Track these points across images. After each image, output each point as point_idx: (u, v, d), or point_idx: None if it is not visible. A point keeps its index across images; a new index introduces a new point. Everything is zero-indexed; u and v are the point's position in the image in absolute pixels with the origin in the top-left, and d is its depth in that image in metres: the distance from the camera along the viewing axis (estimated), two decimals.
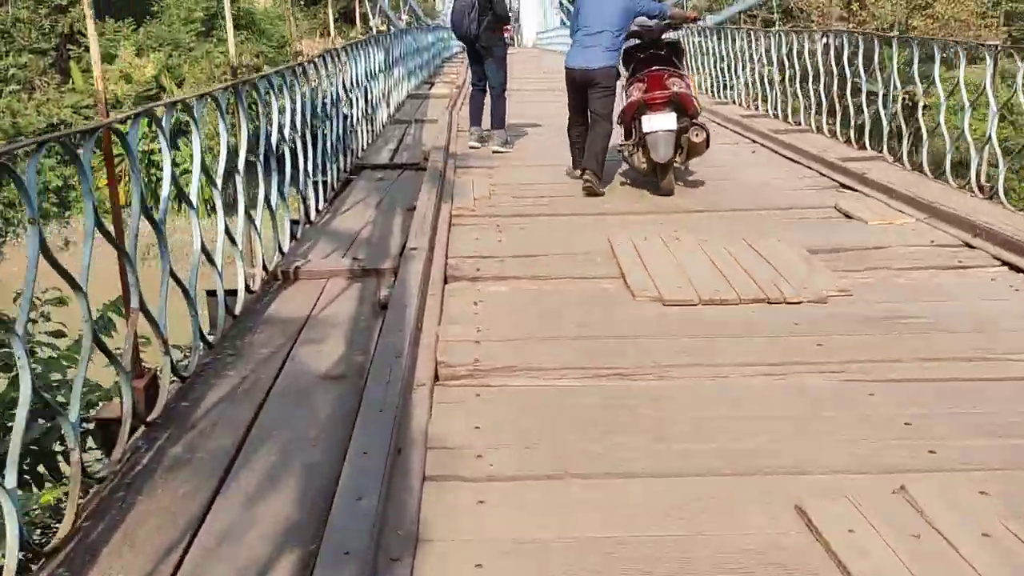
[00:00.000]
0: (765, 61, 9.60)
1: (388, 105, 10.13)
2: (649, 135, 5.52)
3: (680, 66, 5.92)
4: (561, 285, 3.87)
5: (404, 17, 14.13)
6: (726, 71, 11.19)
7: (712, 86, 12.10)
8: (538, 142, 8.06)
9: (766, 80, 9.58)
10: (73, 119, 25.85)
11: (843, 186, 5.66)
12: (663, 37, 5.95)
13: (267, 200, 4.35)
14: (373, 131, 8.83)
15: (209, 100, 3.79)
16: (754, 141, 7.68)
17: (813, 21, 30.53)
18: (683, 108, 5.60)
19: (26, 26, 27.23)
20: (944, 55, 6.26)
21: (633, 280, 3.76)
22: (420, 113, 10.59)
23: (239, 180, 4.03)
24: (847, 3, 32.88)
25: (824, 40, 8.18)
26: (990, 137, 5.37)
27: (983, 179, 5.66)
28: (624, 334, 3.25)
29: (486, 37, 7.41)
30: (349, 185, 6.57)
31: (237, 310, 3.74)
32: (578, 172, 6.00)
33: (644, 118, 5.56)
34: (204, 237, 3.35)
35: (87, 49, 27.60)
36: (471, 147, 7.63)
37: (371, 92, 8.79)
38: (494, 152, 7.52)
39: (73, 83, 26.96)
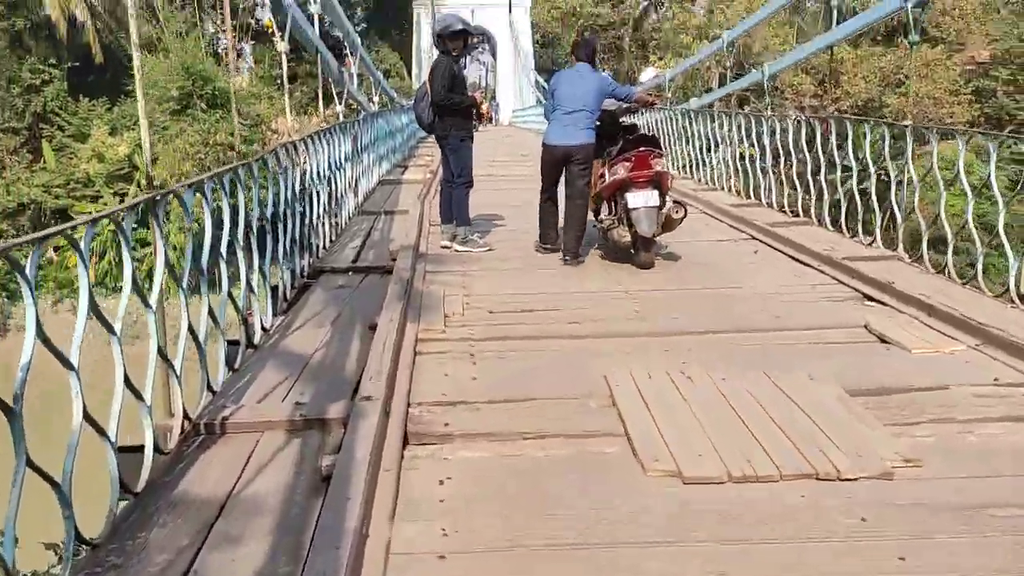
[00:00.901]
0: (757, 147, 9.10)
1: (356, 194, 9.48)
2: (634, 211, 5.88)
3: (660, 149, 6.33)
4: (552, 449, 3.07)
5: (376, 99, 13.65)
6: (708, 154, 10.71)
7: (689, 166, 11.66)
8: (515, 237, 7.37)
9: (758, 167, 9.06)
10: (44, 198, 25.21)
11: (868, 297, 4.96)
12: (621, 120, 6.44)
13: (195, 328, 3.56)
14: (339, 225, 8.13)
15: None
16: (753, 237, 7.03)
17: (787, 99, 30.83)
18: (661, 186, 6.02)
19: None
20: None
21: (641, 445, 2.98)
22: (391, 202, 9.93)
23: (152, 312, 3.24)
24: (819, 81, 33.36)
25: (824, 125, 7.66)
26: None
27: None
28: (636, 539, 2.44)
29: (442, 126, 6.74)
30: (306, 292, 5.81)
31: (139, 485, 2.91)
32: (547, 246, 6.44)
33: (629, 195, 5.92)
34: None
35: (60, 128, 27.17)
36: (442, 246, 6.92)
37: (336, 183, 8.13)
38: (455, 251, 6.84)
39: (45, 162, 26.41)
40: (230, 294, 4.11)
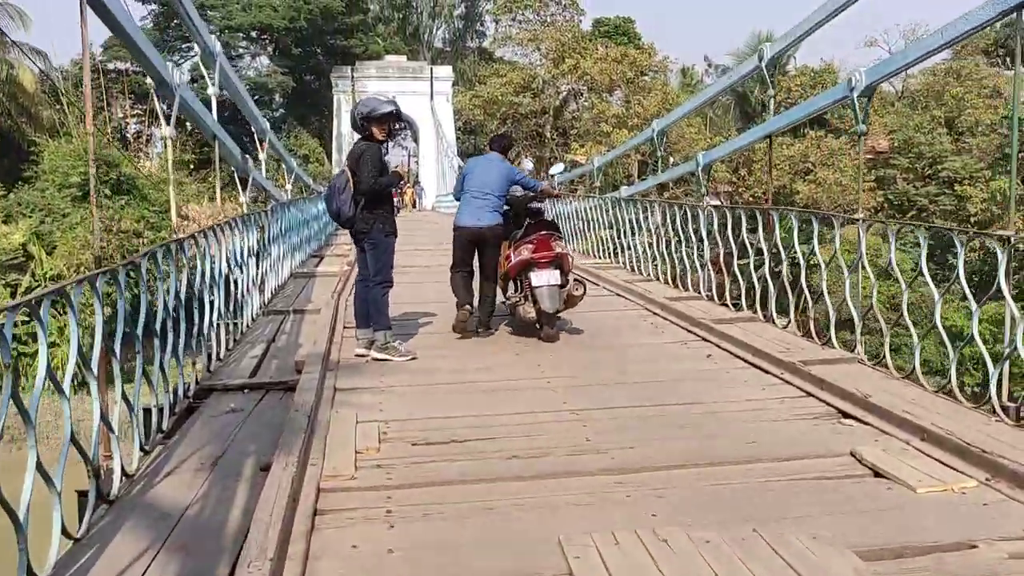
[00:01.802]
0: (682, 234, 8.70)
1: (262, 291, 8.57)
2: (537, 288, 6.36)
3: (560, 232, 6.89)
4: None
5: (289, 187, 12.86)
6: (633, 238, 10.30)
7: (619, 252, 11.28)
8: (441, 341, 6.61)
9: (694, 256, 8.64)
10: None
11: (843, 414, 4.35)
12: (529, 206, 6.87)
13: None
14: (239, 328, 7.21)
15: None
16: (704, 339, 6.43)
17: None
18: (562, 266, 6.48)
19: None
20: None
21: None
22: (302, 299, 9.03)
23: None
24: (734, 169, 34.34)
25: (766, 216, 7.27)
26: (1015, 348, 4.24)
27: (1005, 397, 4.50)
28: None
29: (365, 219, 5.98)
30: (189, 419, 4.87)
31: None
32: (467, 310, 6.64)
33: (533, 274, 6.39)
34: None
35: None
36: (357, 355, 6.09)
37: (238, 282, 7.25)
38: (373, 360, 6.03)
39: None
40: (73, 438, 3.19)
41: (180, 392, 4.99)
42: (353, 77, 40.94)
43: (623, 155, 26.63)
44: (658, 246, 9.66)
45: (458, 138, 39.98)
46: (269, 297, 8.97)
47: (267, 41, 44.15)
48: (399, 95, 40.42)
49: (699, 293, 8.44)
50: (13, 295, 21.97)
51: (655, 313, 7.57)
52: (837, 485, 3.44)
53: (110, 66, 38.86)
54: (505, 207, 6.73)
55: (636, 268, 10.56)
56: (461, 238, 6.63)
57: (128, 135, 34.80)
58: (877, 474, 3.50)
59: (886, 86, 35.19)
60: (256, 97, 44.07)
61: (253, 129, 10.81)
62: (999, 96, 31.07)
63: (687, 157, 31.96)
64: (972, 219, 27.41)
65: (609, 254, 12.08)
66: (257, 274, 8.23)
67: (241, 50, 44.59)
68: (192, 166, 31.07)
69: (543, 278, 6.35)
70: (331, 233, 19.30)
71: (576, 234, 14.19)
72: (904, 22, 60.69)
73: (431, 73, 40.84)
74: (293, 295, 9.50)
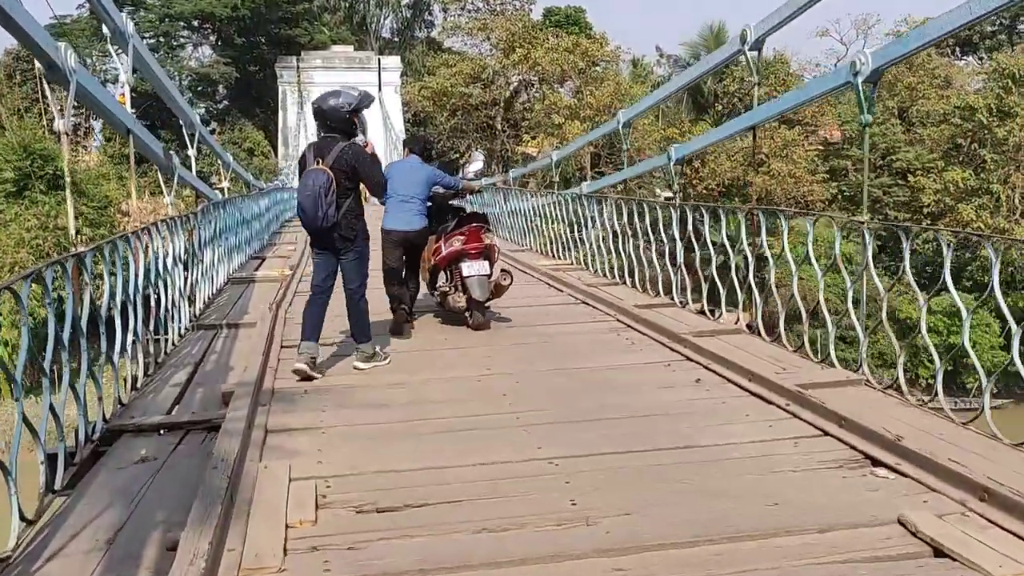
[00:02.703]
0: (652, 236, 8.04)
1: (193, 302, 7.66)
2: (468, 278, 6.69)
3: (490, 225, 7.28)
4: None
5: (226, 184, 11.85)
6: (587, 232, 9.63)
7: (566, 249, 10.66)
8: (401, 362, 5.83)
9: (665, 258, 7.98)
10: None
11: (874, 462, 3.66)
12: (451, 203, 7.22)
13: None
14: (166, 345, 6.33)
15: None
16: (688, 358, 5.72)
17: (655, 177, 30.98)
18: (490, 257, 6.87)
19: None
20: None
21: None
22: (237, 310, 8.13)
23: None
24: (688, 161, 33.96)
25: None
26: None
27: None
28: None
29: (348, 227, 5.44)
30: (92, 469, 4.03)
31: None
32: (403, 311, 6.71)
33: (464, 264, 6.72)
34: None
35: None
36: (296, 372, 5.29)
37: (162, 293, 6.36)
38: (355, 369, 5.58)
39: None
40: None
41: (83, 435, 4.15)
42: (299, 68, 39.65)
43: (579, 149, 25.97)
44: (623, 245, 8.99)
45: (406, 130, 38.91)
46: (201, 308, 8.05)
47: (209, 30, 42.50)
48: (345, 86, 39.16)
49: (672, 299, 7.79)
50: None
51: (628, 326, 6.85)
52: (894, 570, 2.76)
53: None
54: (428, 204, 6.92)
55: (601, 271, 9.88)
56: (389, 241, 6.70)
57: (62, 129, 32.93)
58: (938, 552, 2.82)
59: None
60: (199, 88, 42.38)
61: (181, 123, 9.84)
62: (949, 86, 31.25)
63: (639, 150, 31.45)
64: (925, 210, 27.44)
65: (566, 252, 11.40)
66: (185, 284, 7.32)
67: (183, 39, 42.83)
68: (134, 159, 29.56)
69: (473, 268, 6.71)
70: (274, 232, 18.26)
71: (530, 230, 13.47)
72: (855, 12, 61.03)
73: (379, 64, 39.75)
74: (228, 304, 8.61)
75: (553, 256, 11.96)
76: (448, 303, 6.95)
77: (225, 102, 43.32)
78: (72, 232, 5.09)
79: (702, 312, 7.28)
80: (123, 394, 5.07)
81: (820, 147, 33.39)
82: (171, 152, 7.09)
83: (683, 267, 7.70)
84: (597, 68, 35.91)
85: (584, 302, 8.04)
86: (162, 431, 4.36)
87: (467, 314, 6.79)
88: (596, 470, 3.67)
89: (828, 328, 5.35)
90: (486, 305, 6.86)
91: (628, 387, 5.04)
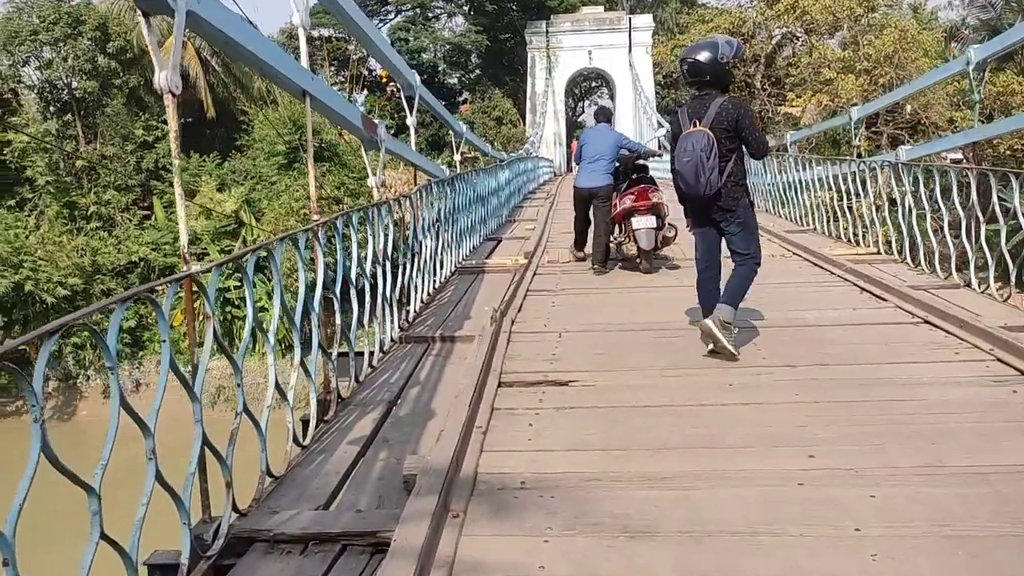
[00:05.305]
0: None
1: (404, 305, 6.40)
2: (637, 231, 7.77)
3: (657, 185, 8.09)
4: None
5: (456, 157, 10.72)
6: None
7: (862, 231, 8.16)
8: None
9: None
10: (152, 256, 24.18)
11: None
12: (636, 163, 8.25)
13: None
14: (357, 370, 5.07)
15: None
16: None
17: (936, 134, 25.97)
18: (659, 213, 7.81)
19: (112, 163, 26.18)
20: None
21: None
22: (457, 316, 6.61)
23: None
24: (988, 116, 28.42)
25: None
26: None
27: None
28: None
29: (729, 194, 4.91)
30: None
31: None
32: (580, 254, 8.72)
33: (634, 219, 7.80)
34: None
35: (171, 184, 26.15)
36: (701, 328, 4.84)
37: (365, 297, 5.17)
38: (709, 325, 4.90)
39: (155, 219, 25.51)
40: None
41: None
42: (548, 32, 38.77)
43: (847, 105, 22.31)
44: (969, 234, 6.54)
45: (656, 92, 36.62)
46: (417, 308, 6.78)
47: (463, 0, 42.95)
48: (595, 48, 37.78)
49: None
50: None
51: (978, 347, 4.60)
52: None
53: (313, 33, 39.37)
54: (616, 165, 8.13)
55: (926, 263, 7.53)
56: (578, 196, 8.29)
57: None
58: None
59: None
60: (453, 59, 43.10)
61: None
62: None
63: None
64: None
65: (863, 236, 9.01)
66: (395, 285, 6.07)
67: (438, 10, 43.71)
68: (392, 132, 30.41)
69: (642, 222, 7.72)
70: (515, 206, 16.97)
71: (815, 208, 11.07)
72: None
73: (629, 23, 37.76)
74: (450, 304, 7.24)
75: (850, 241, 9.58)
76: (622, 251, 8.36)
77: (477, 71, 43.71)
78: (313, 203, 4.46)
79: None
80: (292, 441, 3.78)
81: None
82: (376, 120, 5.82)
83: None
84: (875, 15, 31.10)
85: (927, 321, 5.56)
86: (309, 544, 3.01)
87: (637, 260, 7.98)
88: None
89: None
90: (654, 253, 7.94)
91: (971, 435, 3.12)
